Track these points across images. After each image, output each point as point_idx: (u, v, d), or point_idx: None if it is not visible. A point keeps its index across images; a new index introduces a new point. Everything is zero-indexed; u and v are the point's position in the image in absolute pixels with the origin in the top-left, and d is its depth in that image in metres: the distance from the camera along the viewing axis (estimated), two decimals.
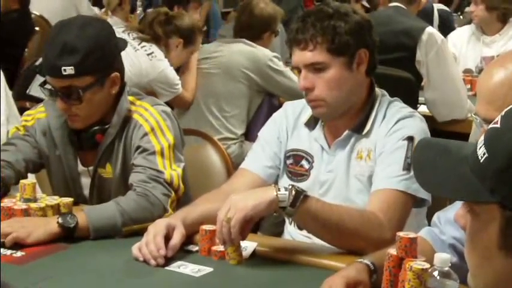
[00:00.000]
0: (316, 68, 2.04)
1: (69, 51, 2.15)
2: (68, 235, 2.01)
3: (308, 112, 2.18)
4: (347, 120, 2.11)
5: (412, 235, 1.68)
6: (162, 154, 2.21)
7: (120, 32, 3.53)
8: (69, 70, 2.15)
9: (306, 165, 2.16)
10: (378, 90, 2.16)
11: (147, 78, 3.62)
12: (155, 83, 3.66)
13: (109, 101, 2.27)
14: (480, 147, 1.03)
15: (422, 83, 3.47)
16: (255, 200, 1.82)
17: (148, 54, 3.63)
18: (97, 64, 2.20)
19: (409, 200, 1.98)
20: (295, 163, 2.18)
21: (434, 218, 1.84)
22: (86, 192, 2.37)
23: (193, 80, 3.79)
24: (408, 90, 3.26)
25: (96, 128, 2.28)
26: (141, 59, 3.61)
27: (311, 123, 2.17)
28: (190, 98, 3.77)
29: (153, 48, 3.67)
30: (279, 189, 1.84)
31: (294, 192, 1.84)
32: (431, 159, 1.10)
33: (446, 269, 1.51)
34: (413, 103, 3.20)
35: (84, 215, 2.04)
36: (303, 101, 2.15)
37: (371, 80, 2.15)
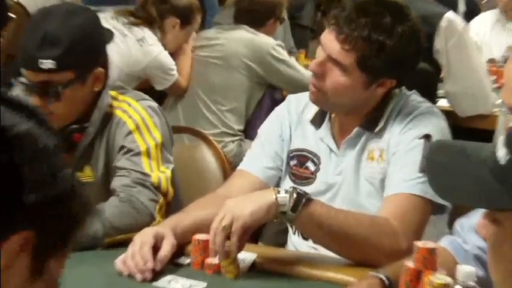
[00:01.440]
0: (337, 63, 1.99)
1: (50, 43, 2.12)
2: None
3: (314, 108, 2.15)
4: (357, 116, 2.09)
5: (431, 245, 1.70)
6: (149, 154, 2.19)
7: (108, 18, 3.51)
8: (49, 64, 2.12)
9: (312, 167, 2.14)
10: None
11: (139, 66, 3.61)
12: (149, 70, 3.65)
13: (89, 99, 2.24)
14: (501, 148, 1.01)
15: (442, 75, 3.43)
16: (253, 206, 1.80)
17: (138, 40, 3.61)
18: (80, 58, 2.17)
19: (426, 205, 1.96)
20: (300, 165, 2.16)
21: (456, 225, 1.83)
22: None
23: (188, 64, 3.79)
24: (426, 83, 3.22)
25: (73, 126, 2.24)
26: (131, 46, 3.59)
27: (317, 121, 2.14)
28: (185, 84, 3.76)
29: (145, 32, 3.65)
30: (278, 192, 1.83)
31: (295, 195, 1.82)
32: (446, 163, 1.10)
33: (471, 283, 1.50)
34: (431, 96, 3.19)
35: None
36: (308, 94, 2.11)
37: None
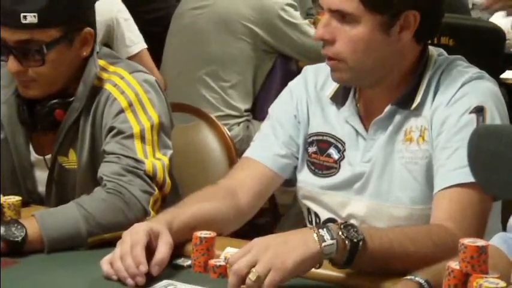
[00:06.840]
0: (343, 17, 2.02)
1: None
2: (15, 251, 2.00)
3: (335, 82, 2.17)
4: (388, 90, 2.10)
5: (480, 243, 1.65)
6: (143, 138, 2.22)
7: None
8: (30, 18, 2.15)
9: (335, 155, 2.16)
10: (432, 49, 2.14)
11: (103, 17, 3.64)
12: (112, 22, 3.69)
13: (76, 66, 2.28)
14: None
15: None
16: (297, 256, 1.74)
17: None
18: (68, 13, 2.21)
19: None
20: (320, 152, 2.18)
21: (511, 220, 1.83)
22: (42, 188, 2.38)
23: None
24: (496, 47, 3.21)
25: (54, 101, 2.28)
26: None
27: (339, 98, 2.17)
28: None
29: None
30: (319, 234, 1.77)
31: (348, 242, 1.77)
32: (495, 152, 1.11)
33: None
34: (502, 65, 3.15)
35: (35, 223, 2.04)
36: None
37: (424, 45, 2.12)
